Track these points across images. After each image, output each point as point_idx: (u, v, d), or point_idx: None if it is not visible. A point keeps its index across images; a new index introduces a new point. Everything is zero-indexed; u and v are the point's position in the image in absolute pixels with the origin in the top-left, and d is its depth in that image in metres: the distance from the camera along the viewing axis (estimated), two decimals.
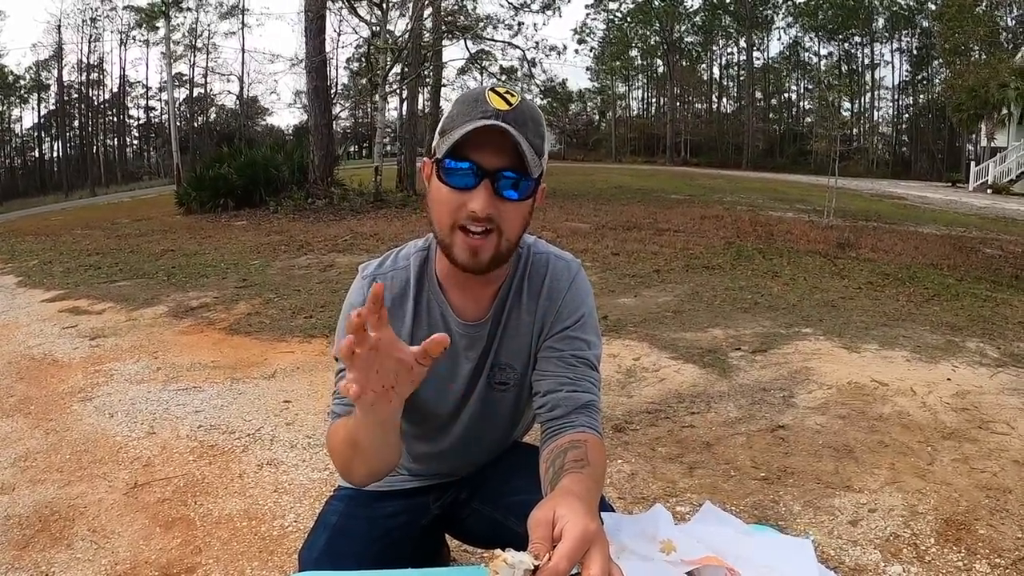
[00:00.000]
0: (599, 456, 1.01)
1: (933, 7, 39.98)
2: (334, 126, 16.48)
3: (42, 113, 45.80)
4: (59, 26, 42.96)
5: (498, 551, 0.75)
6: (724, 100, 53.15)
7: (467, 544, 1.38)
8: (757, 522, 1.99)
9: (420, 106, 22.74)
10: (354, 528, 1.16)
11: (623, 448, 2.68)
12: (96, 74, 45.70)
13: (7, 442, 2.97)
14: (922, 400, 3.12)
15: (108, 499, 2.40)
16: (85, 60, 44.71)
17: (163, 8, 15.32)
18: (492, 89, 1.00)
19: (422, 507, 1.29)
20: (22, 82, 43.66)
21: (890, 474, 2.42)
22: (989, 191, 23.63)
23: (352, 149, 47.94)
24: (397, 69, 15.40)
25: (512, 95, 0.99)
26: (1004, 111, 23.41)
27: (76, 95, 45.83)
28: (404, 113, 20.10)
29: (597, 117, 55.26)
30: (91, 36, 44.11)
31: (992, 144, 26.27)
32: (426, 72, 19.98)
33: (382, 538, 1.18)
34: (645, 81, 54.22)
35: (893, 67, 48.19)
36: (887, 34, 45.77)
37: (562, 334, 1.12)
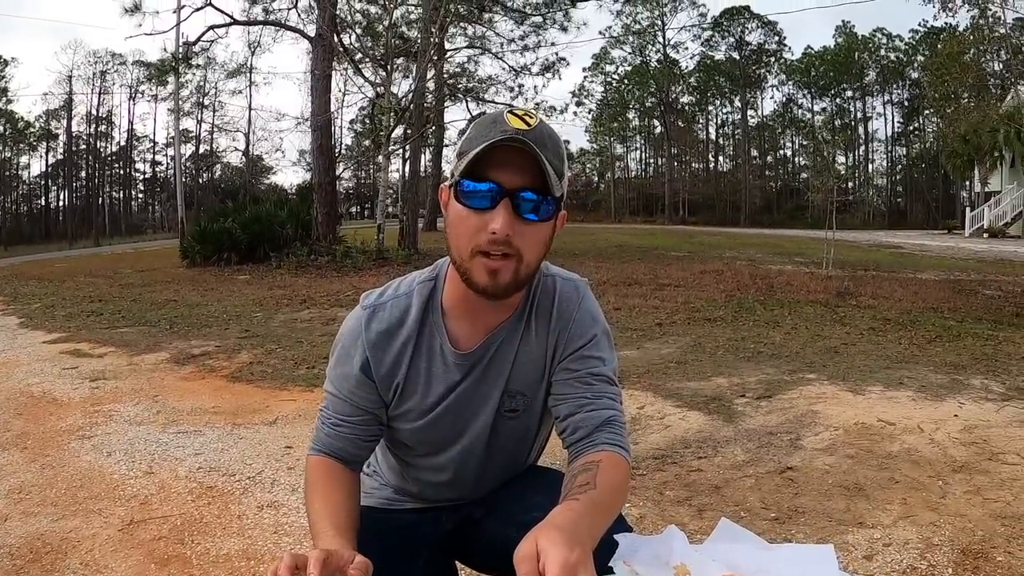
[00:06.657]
0: (612, 476, 0.97)
1: (922, 58, 41.05)
2: (337, 185, 16.75)
3: (50, 162, 46.65)
4: (70, 77, 44.08)
5: None
6: (721, 159, 54.18)
7: (481, 573, 1.33)
8: None
9: (422, 167, 23.18)
10: (366, 541, 1.10)
11: (630, 493, 2.64)
12: (104, 126, 46.68)
13: (1, 474, 2.93)
14: (930, 436, 3.10)
15: (103, 534, 2.35)
16: (94, 112, 45.72)
17: (173, 64, 15.72)
18: (510, 111, 0.97)
19: (434, 521, 1.24)
20: (31, 129, 44.49)
21: (902, 509, 2.38)
22: (985, 235, 23.95)
23: (354, 209, 48.54)
24: (400, 130, 15.74)
25: (531, 116, 0.97)
26: (996, 155, 23.87)
27: (84, 146, 46.66)
28: (406, 173, 20.47)
29: (596, 178, 56.13)
30: (101, 89, 45.28)
31: (986, 189, 26.72)
32: (428, 133, 20.39)
33: (396, 550, 1.14)
34: (643, 142, 55.30)
35: (885, 119, 48.94)
36: (878, 87, 46.85)
37: (576, 354, 1.09)
